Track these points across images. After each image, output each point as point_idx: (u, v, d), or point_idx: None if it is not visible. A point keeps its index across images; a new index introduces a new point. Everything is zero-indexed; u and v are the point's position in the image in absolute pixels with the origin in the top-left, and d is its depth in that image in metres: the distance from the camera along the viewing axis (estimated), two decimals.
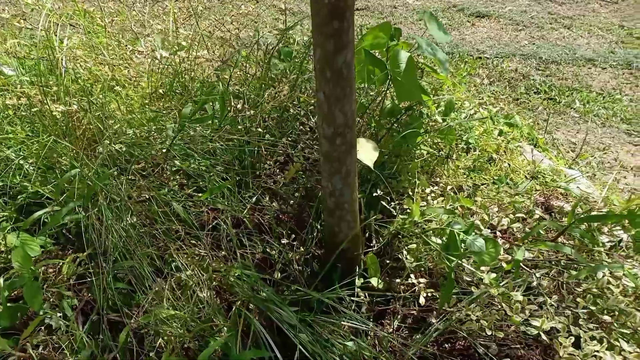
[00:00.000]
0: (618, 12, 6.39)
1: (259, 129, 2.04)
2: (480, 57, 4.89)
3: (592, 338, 1.35)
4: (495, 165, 2.56)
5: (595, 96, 4.22)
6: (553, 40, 5.44)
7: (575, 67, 4.78)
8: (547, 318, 1.38)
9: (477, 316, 1.48)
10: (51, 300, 1.78)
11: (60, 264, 1.87)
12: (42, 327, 1.67)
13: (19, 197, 2.07)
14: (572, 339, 1.36)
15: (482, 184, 2.30)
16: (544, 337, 1.39)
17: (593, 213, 1.84)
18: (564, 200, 2.46)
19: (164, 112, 2.16)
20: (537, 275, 1.55)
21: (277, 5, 6.33)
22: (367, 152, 1.81)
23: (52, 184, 2.03)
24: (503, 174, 2.46)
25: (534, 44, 5.35)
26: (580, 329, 1.38)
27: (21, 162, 2.07)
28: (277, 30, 2.44)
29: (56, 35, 2.57)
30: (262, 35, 2.44)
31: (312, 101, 2.34)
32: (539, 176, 2.53)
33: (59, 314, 1.70)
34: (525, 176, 2.53)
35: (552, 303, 1.46)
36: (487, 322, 1.45)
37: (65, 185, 1.92)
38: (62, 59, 2.37)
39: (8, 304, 1.68)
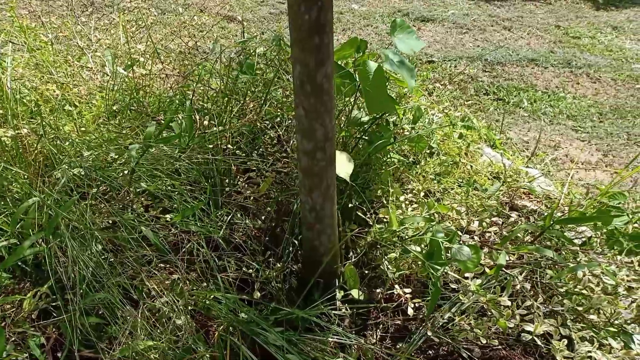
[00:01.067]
0: (553, 13, 6.70)
1: (229, 146, 1.97)
2: (430, 61, 5.00)
3: (583, 339, 1.38)
4: (458, 168, 2.60)
5: (541, 95, 4.39)
6: (496, 42, 5.63)
7: (519, 67, 4.97)
8: (539, 322, 1.40)
9: (470, 325, 1.49)
10: (13, 340, 1.65)
11: (19, 299, 1.74)
12: None
13: None
14: (565, 340, 1.39)
15: (450, 188, 2.33)
16: (538, 342, 1.41)
17: (558, 213, 1.90)
18: (527, 199, 2.53)
19: (123, 131, 2.06)
20: (520, 278, 1.58)
21: (222, 14, 6.24)
22: (342, 165, 1.79)
23: (5, 214, 1.89)
24: (468, 177, 2.51)
25: (478, 46, 5.53)
26: (570, 330, 1.41)
27: None
28: (236, 42, 2.38)
29: None
30: (222, 47, 2.38)
31: (279, 113, 2.30)
32: (501, 176, 2.59)
33: (24, 355, 1.57)
34: (488, 177, 2.59)
35: (539, 305, 1.48)
36: (481, 330, 1.46)
37: (21, 215, 1.78)
38: (6, 79, 2.21)
39: None
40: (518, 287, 1.57)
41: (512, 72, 4.87)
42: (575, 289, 1.52)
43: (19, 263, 1.86)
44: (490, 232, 1.95)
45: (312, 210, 1.65)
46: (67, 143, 2.00)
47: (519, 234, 1.91)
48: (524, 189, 2.45)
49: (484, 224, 1.97)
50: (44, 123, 2.02)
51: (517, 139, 3.67)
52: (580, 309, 1.46)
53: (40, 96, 2.29)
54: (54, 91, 2.29)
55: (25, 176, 1.93)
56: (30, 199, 1.74)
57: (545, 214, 2.15)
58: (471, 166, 2.63)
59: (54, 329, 1.72)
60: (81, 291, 1.62)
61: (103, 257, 1.72)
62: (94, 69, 2.56)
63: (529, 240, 1.94)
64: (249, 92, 2.23)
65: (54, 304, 1.74)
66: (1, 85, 2.16)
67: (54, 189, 1.78)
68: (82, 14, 4.26)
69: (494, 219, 2.03)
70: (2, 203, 1.94)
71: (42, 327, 1.72)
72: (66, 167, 1.82)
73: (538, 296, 1.54)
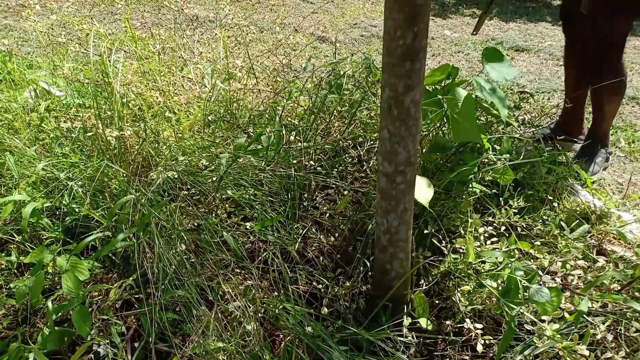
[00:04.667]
0: None
1: (311, 162, 2.03)
2: (522, 92, 4.84)
3: None
4: (544, 204, 2.49)
5: None
6: None
7: None
8: None
9: None
10: (97, 325, 1.78)
11: (106, 288, 1.87)
12: (89, 354, 1.67)
13: (66, 218, 2.09)
14: None
15: (534, 225, 2.23)
16: None
17: None
18: (617, 244, 2.38)
19: (216, 141, 2.18)
20: (602, 327, 1.48)
21: (315, 34, 6.41)
22: (421, 190, 1.78)
23: (102, 208, 2.05)
24: (554, 215, 2.40)
25: None
26: None
27: (70, 183, 2.10)
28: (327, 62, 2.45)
29: (110, 61, 2.63)
30: (313, 66, 2.46)
31: (362, 133, 2.33)
32: (590, 218, 2.45)
33: (106, 341, 1.69)
34: (576, 217, 2.46)
35: (619, 359, 1.39)
36: None
37: (117, 210, 1.93)
38: (116, 84, 2.42)
39: (55, 327, 1.68)
40: (599, 337, 1.48)
41: None
42: None
43: (110, 254, 2.01)
44: (573, 275, 1.85)
45: (387, 232, 1.65)
46: (164, 147, 2.14)
47: (605, 281, 1.80)
48: (614, 233, 2.30)
49: (568, 266, 1.87)
50: (145, 127, 2.18)
51: (610, 180, 3.46)
52: None
53: (144, 102, 2.48)
54: (157, 98, 2.47)
55: (124, 174, 2.10)
56: (127, 196, 1.88)
57: (636, 261, 2.01)
58: (558, 204, 2.51)
59: (134, 320, 1.84)
60: (163, 287, 1.72)
61: (185, 256, 1.82)
62: (194, 80, 2.74)
63: (616, 289, 1.82)
64: (335, 111, 2.28)
65: (136, 296, 1.86)
66: (112, 89, 2.36)
67: (148, 188, 1.91)
68: (187, 27, 4.57)
69: (578, 262, 1.93)
70: (101, 197, 2.12)
71: (124, 317, 1.84)
72: (162, 169, 1.95)
73: (620, 349, 1.44)
